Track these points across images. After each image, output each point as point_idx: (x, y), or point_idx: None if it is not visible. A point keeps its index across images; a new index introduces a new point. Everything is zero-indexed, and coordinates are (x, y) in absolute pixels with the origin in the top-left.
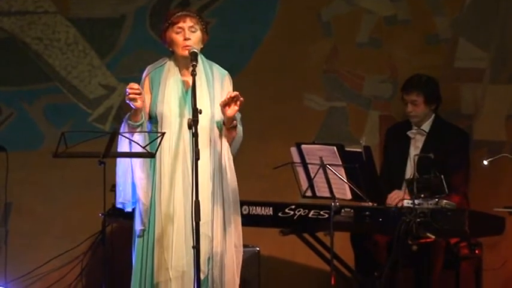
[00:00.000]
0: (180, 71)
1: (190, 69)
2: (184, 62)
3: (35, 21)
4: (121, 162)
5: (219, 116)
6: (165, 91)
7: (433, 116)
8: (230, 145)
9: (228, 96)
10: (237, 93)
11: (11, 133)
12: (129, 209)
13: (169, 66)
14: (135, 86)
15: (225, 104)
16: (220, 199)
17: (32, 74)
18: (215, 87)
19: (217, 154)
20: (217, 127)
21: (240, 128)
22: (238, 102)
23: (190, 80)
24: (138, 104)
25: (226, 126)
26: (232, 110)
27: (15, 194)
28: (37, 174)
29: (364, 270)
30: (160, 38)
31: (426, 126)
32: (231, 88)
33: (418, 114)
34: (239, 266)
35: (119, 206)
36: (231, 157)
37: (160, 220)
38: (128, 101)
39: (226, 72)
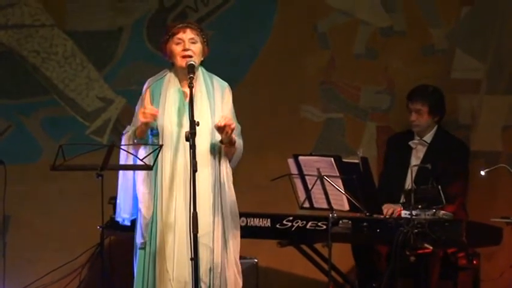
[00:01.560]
0: (180, 82)
1: (200, 79)
2: (184, 73)
3: (32, 34)
4: (124, 176)
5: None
6: (165, 103)
7: (436, 127)
8: (230, 160)
9: (219, 124)
10: (226, 122)
11: (9, 146)
12: (127, 223)
13: (170, 77)
14: (154, 109)
15: (218, 128)
16: (220, 210)
17: (30, 87)
18: (215, 98)
19: (217, 165)
20: (212, 147)
21: (240, 142)
22: (230, 127)
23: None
24: (150, 122)
25: (223, 143)
26: (226, 134)
27: (14, 207)
28: (35, 187)
29: (366, 281)
30: (160, 50)
31: (428, 137)
32: (231, 100)
33: (421, 123)
34: (239, 278)
35: (118, 219)
36: (230, 169)
37: (161, 232)
38: (143, 120)
39: (227, 84)
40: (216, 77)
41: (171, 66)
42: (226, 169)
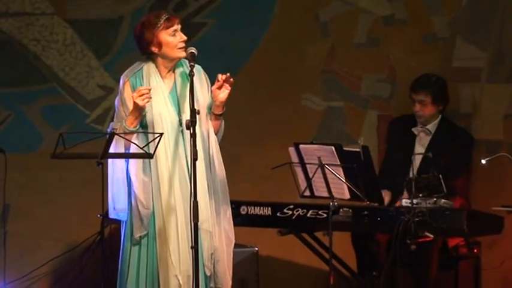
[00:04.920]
0: (161, 73)
1: (176, 69)
2: (169, 64)
3: (33, 22)
4: (115, 172)
5: (207, 102)
6: (152, 94)
7: (440, 116)
8: (216, 135)
9: (220, 79)
10: (227, 74)
11: (9, 135)
12: (124, 218)
13: (149, 69)
14: (147, 87)
15: (218, 87)
16: (213, 189)
17: (30, 75)
18: (195, 84)
19: (207, 149)
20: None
21: (222, 120)
22: (228, 84)
23: (171, 81)
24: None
25: (215, 112)
26: (224, 93)
27: (14, 195)
28: (35, 175)
29: (365, 270)
30: (144, 39)
31: (432, 126)
32: (208, 82)
33: (425, 114)
34: (231, 258)
35: (112, 216)
36: (218, 147)
37: (161, 225)
38: (140, 104)
39: (200, 67)
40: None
41: (147, 58)
42: (215, 145)
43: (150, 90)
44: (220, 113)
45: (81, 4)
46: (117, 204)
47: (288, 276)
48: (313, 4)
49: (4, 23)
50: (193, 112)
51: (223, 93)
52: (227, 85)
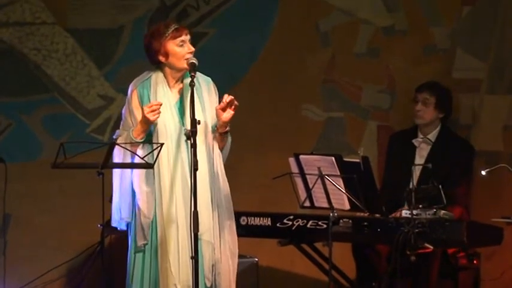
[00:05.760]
0: (169, 83)
1: (184, 80)
2: (177, 75)
3: (33, 32)
4: (123, 182)
5: (213, 120)
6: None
7: (440, 125)
8: (221, 151)
9: (224, 101)
10: (232, 97)
11: (9, 144)
12: (124, 227)
13: (156, 79)
14: (158, 103)
15: (222, 108)
16: (216, 203)
17: (31, 84)
18: (204, 95)
19: (211, 161)
20: (212, 132)
21: (229, 137)
22: (233, 107)
23: (178, 91)
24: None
25: (219, 131)
26: (228, 114)
27: (14, 205)
28: (36, 185)
29: (366, 280)
30: (151, 49)
31: (432, 135)
32: (217, 93)
33: (426, 116)
34: (235, 272)
35: (115, 225)
36: (222, 162)
37: (163, 234)
38: (151, 119)
39: (210, 78)
40: (198, 73)
41: (156, 67)
42: (219, 160)
43: (161, 105)
44: (224, 131)
45: (82, 14)
46: (123, 213)
47: (287, 287)
48: (313, 14)
49: (5, 33)
50: (194, 122)
51: (227, 114)
52: (231, 107)
